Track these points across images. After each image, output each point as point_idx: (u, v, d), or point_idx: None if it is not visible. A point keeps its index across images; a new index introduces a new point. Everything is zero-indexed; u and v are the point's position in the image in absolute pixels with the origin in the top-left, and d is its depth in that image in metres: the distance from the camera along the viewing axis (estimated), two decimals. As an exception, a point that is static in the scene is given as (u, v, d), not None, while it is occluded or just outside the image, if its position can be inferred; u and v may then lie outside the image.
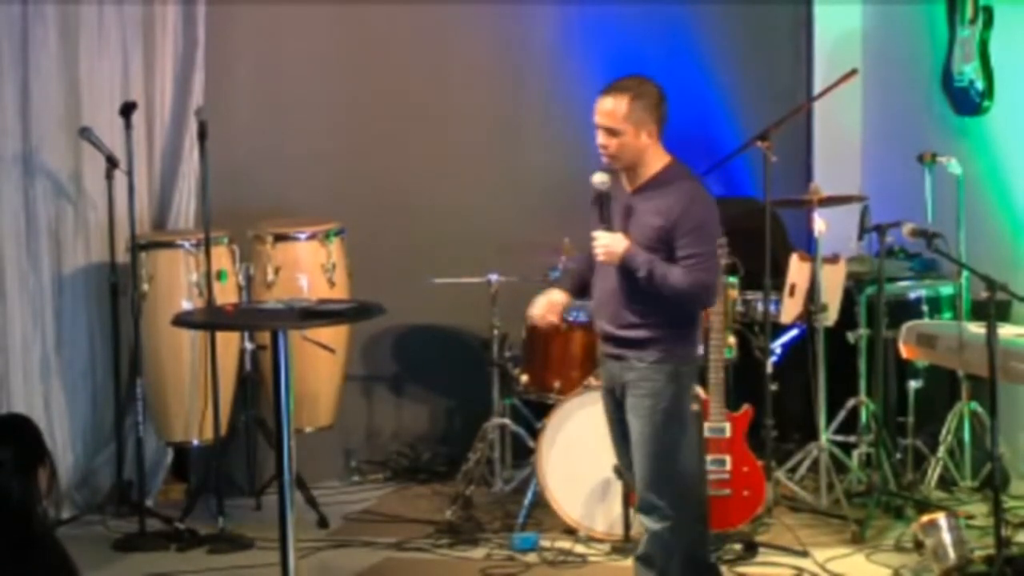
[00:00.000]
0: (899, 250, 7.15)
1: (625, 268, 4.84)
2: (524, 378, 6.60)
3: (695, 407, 5.12)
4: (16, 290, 6.64)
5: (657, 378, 4.84)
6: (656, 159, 4.89)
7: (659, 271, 4.78)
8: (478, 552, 6.14)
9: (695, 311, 4.96)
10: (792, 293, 6.52)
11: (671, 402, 4.86)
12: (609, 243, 4.85)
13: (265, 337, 6.20)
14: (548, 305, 5.11)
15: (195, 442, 6.68)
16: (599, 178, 4.93)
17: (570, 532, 6.22)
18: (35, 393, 6.65)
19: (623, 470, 5.20)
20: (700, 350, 5.10)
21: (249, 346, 6.67)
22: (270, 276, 6.66)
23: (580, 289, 5.14)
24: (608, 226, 4.89)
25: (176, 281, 6.58)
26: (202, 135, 6.37)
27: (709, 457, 5.96)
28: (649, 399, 4.85)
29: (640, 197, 4.89)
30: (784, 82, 7.93)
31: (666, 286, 4.78)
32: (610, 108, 4.84)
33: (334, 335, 6.52)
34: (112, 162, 6.44)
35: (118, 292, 6.56)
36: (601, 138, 4.88)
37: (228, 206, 6.80)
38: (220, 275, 6.55)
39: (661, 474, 4.88)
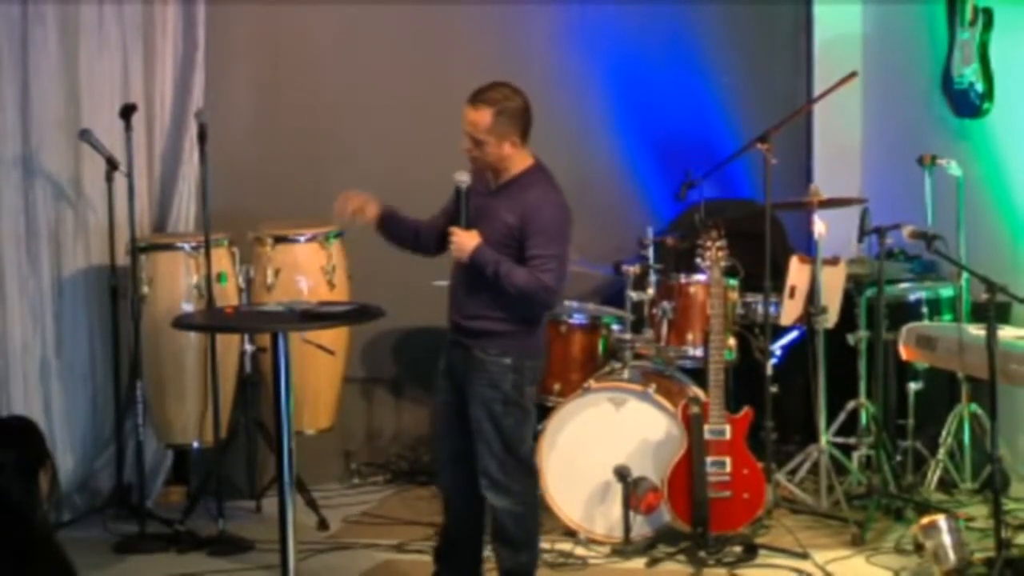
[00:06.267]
0: (899, 252, 7.15)
1: (474, 264, 5.04)
2: (524, 380, 6.59)
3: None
4: (16, 293, 6.62)
5: (496, 369, 5.09)
6: (519, 162, 5.14)
7: (503, 269, 5.02)
8: (478, 554, 6.14)
9: (535, 311, 5.16)
10: (792, 295, 6.52)
11: (510, 391, 5.10)
12: (461, 240, 5.05)
13: (265, 339, 6.20)
14: (357, 197, 5.31)
15: (195, 444, 6.68)
16: (460, 176, 5.12)
17: (570, 534, 6.22)
18: (35, 396, 6.64)
19: (441, 450, 5.43)
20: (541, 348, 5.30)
21: (249, 348, 6.67)
22: (270, 278, 6.66)
23: (398, 226, 5.36)
24: (465, 223, 5.08)
25: (176, 283, 6.58)
26: (202, 137, 6.36)
27: (709, 459, 5.97)
28: (489, 389, 5.09)
29: (498, 196, 5.13)
30: (784, 84, 7.93)
31: (509, 284, 5.02)
32: (474, 119, 5.08)
33: (334, 337, 6.52)
34: (112, 164, 6.43)
35: (118, 295, 6.55)
36: (466, 143, 5.10)
37: (228, 208, 6.80)
38: (220, 277, 6.55)
39: (509, 456, 5.15)
